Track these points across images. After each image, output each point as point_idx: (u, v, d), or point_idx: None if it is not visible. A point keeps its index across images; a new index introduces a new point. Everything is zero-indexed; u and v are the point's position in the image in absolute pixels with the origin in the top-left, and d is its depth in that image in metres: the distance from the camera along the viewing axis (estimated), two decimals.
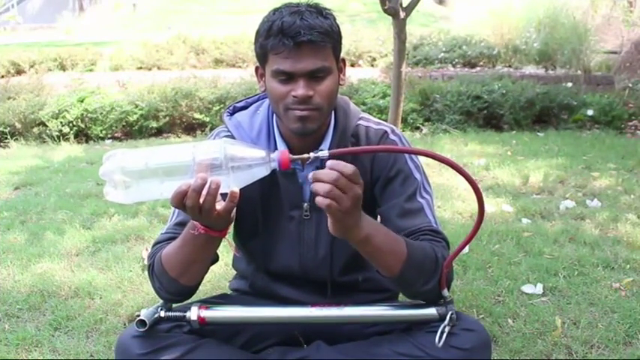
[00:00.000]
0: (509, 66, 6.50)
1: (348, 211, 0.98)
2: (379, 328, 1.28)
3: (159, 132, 5.22)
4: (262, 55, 1.17)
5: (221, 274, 2.18)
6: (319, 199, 0.96)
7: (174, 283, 1.17)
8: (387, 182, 1.27)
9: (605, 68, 6.50)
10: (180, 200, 0.99)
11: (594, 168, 3.65)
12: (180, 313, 1.20)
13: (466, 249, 2.35)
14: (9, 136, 5.01)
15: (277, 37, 1.11)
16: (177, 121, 5.22)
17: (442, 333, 1.11)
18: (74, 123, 4.98)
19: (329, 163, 0.97)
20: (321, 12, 1.15)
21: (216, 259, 1.25)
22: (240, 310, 1.28)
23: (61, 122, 4.95)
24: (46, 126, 4.97)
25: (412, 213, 1.23)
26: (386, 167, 1.26)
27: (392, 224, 1.23)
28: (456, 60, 6.51)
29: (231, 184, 1.00)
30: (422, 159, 1.25)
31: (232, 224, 1.16)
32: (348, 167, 0.96)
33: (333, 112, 1.27)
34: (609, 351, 1.68)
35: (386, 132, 1.30)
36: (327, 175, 0.95)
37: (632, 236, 2.50)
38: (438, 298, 1.17)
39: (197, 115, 5.10)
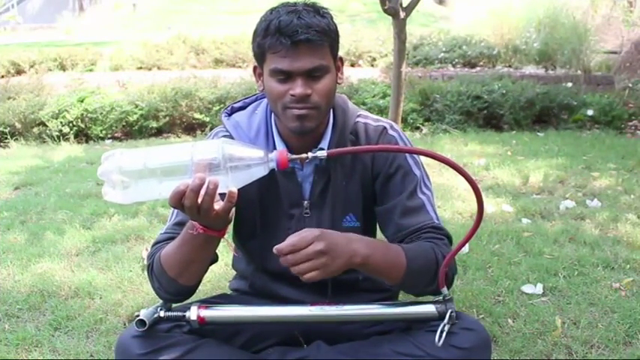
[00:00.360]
0: (509, 66, 6.50)
1: (327, 264, 1.03)
2: (379, 328, 1.28)
3: (159, 132, 5.22)
4: (260, 55, 1.17)
5: (221, 274, 2.18)
6: (302, 279, 1.03)
7: (174, 283, 1.17)
8: (387, 178, 1.27)
9: (605, 68, 6.50)
10: (178, 200, 0.99)
11: (594, 168, 3.65)
12: (180, 313, 1.20)
13: (466, 249, 2.34)
14: (9, 136, 5.01)
15: (275, 37, 1.11)
16: (177, 121, 5.22)
17: (442, 332, 1.11)
18: (74, 123, 4.98)
19: (275, 249, 1.03)
20: (318, 11, 1.15)
21: (215, 259, 1.24)
22: (239, 310, 1.28)
23: (61, 122, 4.95)
24: (46, 126, 4.97)
25: (414, 211, 1.24)
26: (386, 163, 1.26)
27: (394, 223, 1.24)
28: (456, 60, 6.51)
29: (230, 184, 1.00)
30: (422, 158, 1.25)
31: (231, 224, 1.16)
32: (288, 244, 1.02)
33: (331, 111, 1.27)
34: (609, 351, 1.68)
35: (385, 128, 1.30)
36: (287, 261, 1.03)
37: (632, 236, 2.50)
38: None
39: (197, 115, 5.10)
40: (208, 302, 1.32)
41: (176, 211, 1.26)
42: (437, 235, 1.21)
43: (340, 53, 1.23)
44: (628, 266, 2.23)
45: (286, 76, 1.13)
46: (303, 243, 1.02)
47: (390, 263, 1.13)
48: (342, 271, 1.06)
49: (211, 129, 4.84)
